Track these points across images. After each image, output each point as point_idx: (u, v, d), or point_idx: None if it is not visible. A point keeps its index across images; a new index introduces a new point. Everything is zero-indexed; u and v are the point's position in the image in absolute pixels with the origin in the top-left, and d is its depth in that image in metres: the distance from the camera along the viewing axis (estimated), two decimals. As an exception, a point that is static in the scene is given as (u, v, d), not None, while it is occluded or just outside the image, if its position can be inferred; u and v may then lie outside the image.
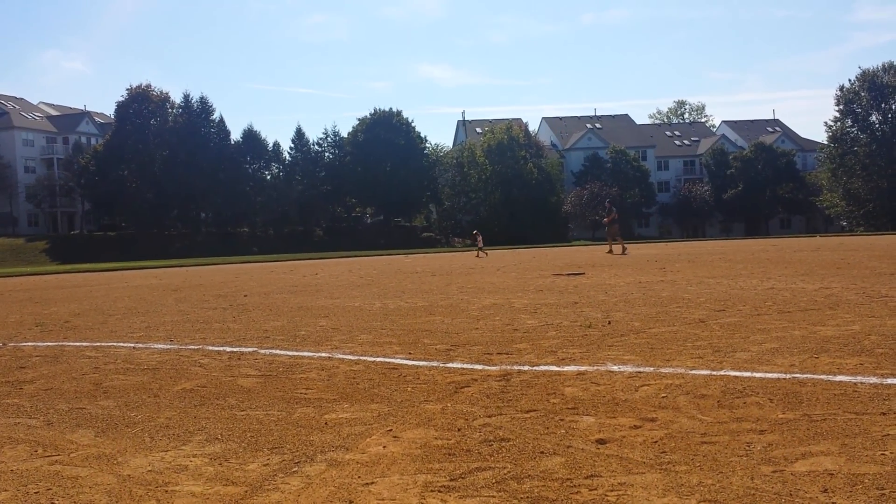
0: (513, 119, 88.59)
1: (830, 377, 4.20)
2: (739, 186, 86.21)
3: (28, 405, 4.49)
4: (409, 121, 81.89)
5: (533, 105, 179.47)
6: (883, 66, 75.72)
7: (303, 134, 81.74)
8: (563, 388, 4.26)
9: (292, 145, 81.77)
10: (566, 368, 4.84)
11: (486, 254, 35.20)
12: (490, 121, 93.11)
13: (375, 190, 77.81)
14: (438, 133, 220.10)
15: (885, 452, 2.88)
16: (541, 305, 8.85)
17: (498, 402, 4.03)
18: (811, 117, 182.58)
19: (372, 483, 2.84)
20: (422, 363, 5.29)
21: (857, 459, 2.82)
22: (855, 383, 4.01)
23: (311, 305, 10.32)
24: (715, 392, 3.99)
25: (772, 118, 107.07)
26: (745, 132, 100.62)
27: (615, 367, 4.78)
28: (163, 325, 8.49)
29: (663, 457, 2.98)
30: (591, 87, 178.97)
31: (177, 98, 79.38)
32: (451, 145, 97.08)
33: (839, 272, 12.29)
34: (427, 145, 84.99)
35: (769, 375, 4.32)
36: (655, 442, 3.18)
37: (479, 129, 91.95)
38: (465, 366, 5.12)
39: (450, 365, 5.18)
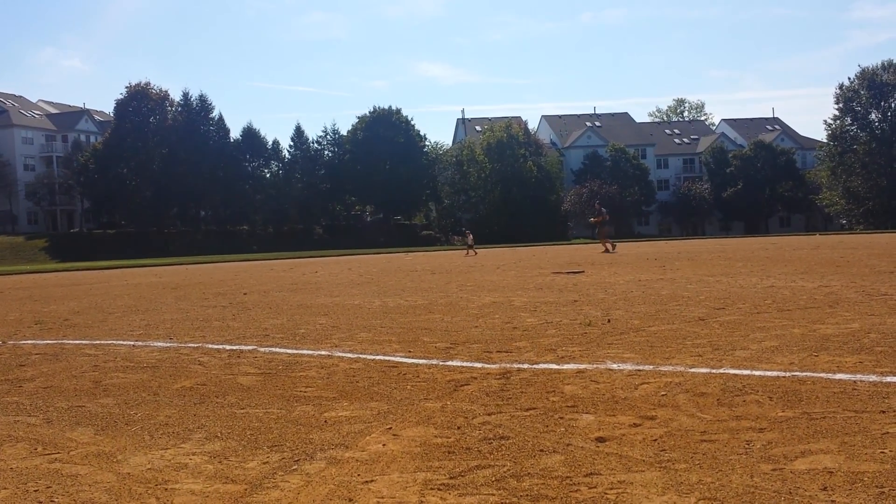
0: (512, 117, 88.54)
1: (830, 375, 4.20)
2: (739, 185, 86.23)
3: (27, 403, 4.49)
4: (409, 119, 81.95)
5: (532, 103, 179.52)
6: (882, 64, 75.80)
7: (302, 132, 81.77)
8: (562, 387, 4.26)
9: (292, 143, 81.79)
10: (566, 367, 4.84)
11: (475, 252, 35.27)
12: (490, 119, 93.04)
13: (375, 188, 77.81)
14: (438, 131, 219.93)
15: (885, 450, 2.88)
16: (540, 303, 8.85)
17: (497, 400, 4.03)
18: (811, 116, 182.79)
19: (372, 481, 2.84)
20: (421, 361, 5.29)
21: (857, 457, 2.82)
22: (854, 381, 4.02)
23: (310, 303, 10.32)
24: (714, 390, 3.99)
25: (771, 116, 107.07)
26: (745, 130, 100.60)
27: (615, 366, 4.78)
28: (162, 324, 8.49)
29: (663, 455, 2.98)
30: (591, 86, 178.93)
31: (176, 96, 79.34)
32: (450, 143, 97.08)
33: (839, 270, 12.29)
34: (426, 144, 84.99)
35: (769, 373, 4.32)
36: (655, 440, 3.18)
37: (478, 128, 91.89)
38: (464, 364, 5.12)
39: (449, 363, 5.18)
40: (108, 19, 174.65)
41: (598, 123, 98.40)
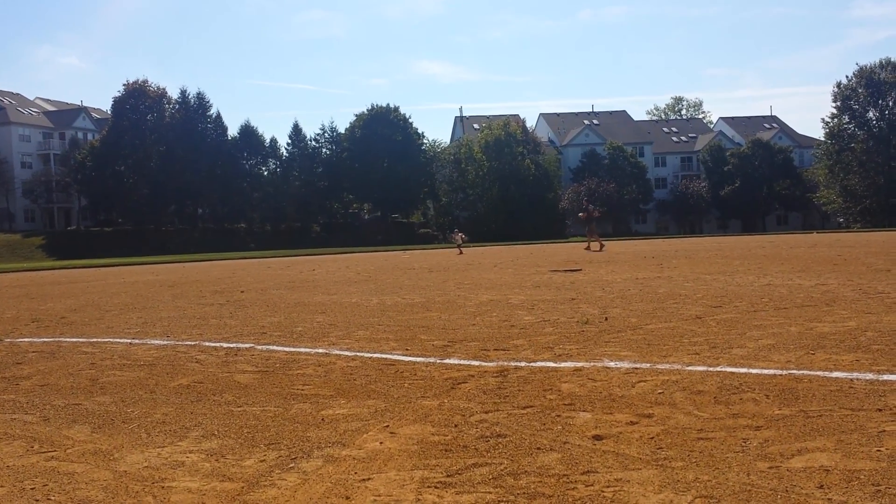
0: (510, 115, 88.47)
1: (826, 373, 4.20)
2: (736, 183, 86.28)
3: (24, 401, 4.48)
4: (407, 117, 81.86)
5: (530, 101, 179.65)
6: (880, 62, 75.83)
7: (300, 130, 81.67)
8: (559, 385, 4.26)
9: (289, 141, 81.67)
10: (563, 364, 4.85)
11: (462, 252, 35.51)
12: (488, 117, 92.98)
13: (373, 186, 77.76)
14: (436, 129, 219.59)
15: (881, 448, 2.89)
16: (537, 302, 8.85)
17: (495, 398, 4.03)
18: (808, 114, 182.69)
19: (368, 479, 2.84)
20: (419, 359, 5.29)
21: (853, 455, 2.83)
22: (851, 380, 4.02)
23: (307, 301, 10.32)
24: (711, 388, 3.99)
25: (769, 115, 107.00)
26: (743, 129, 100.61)
27: (612, 364, 4.78)
28: (159, 321, 8.48)
29: (660, 453, 2.98)
30: (589, 84, 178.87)
31: (174, 94, 79.13)
32: (448, 141, 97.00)
33: (836, 269, 12.32)
34: (424, 141, 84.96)
35: (765, 372, 4.32)
36: (652, 438, 3.18)
37: (476, 126, 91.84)
38: (461, 362, 5.12)
39: (446, 361, 5.18)
40: (106, 17, 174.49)
41: (596, 121, 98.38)
